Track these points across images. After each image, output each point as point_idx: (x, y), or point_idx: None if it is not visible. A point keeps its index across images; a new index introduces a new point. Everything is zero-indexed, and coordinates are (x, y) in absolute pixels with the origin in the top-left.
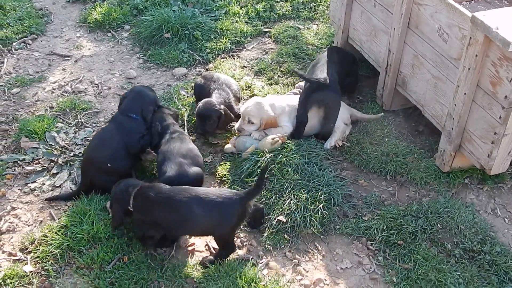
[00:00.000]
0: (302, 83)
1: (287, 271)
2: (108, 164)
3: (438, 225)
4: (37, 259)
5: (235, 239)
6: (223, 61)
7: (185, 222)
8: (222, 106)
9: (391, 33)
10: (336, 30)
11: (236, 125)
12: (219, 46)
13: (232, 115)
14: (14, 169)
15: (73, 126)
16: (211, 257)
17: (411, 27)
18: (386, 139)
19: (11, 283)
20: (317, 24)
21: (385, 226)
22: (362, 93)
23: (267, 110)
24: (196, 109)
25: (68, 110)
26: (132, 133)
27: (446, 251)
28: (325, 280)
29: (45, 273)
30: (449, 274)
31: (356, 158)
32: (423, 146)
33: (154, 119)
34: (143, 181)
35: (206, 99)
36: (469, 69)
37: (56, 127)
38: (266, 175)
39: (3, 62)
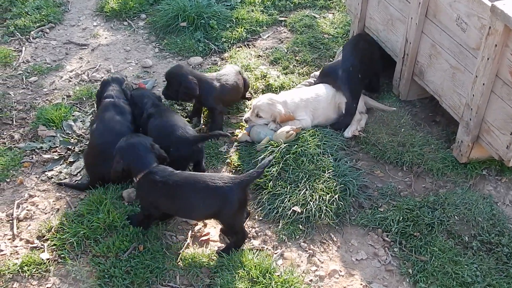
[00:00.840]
0: (317, 73)
1: (302, 261)
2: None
3: (455, 217)
4: (54, 247)
5: (249, 229)
6: (239, 50)
7: (186, 208)
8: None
9: (408, 22)
10: (352, 19)
11: (245, 115)
12: (235, 35)
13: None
14: (32, 157)
15: (90, 115)
16: (226, 247)
17: (429, 17)
18: (403, 130)
19: (28, 270)
20: (333, 13)
21: (401, 218)
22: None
23: (279, 108)
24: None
25: (84, 99)
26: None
27: (463, 243)
28: (340, 271)
29: (62, 260)
30: (466, 266)
31: (372, 148)
32: (440, 137)
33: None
34: None
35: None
36: (488, 59)
37: (73, 115)
38: (280, 165)
39: (21, 51)
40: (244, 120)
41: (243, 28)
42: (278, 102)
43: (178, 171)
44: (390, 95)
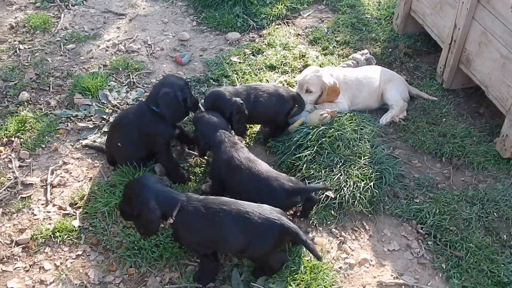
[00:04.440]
0: (357, 55)
1: (332, 248)
2: None
3: (494, 213)
4: (85, 215)
5: None
6: (277, 28)
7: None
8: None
9: (458, 7)
10: (398, 1)
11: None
12: (274, 12)
13: None
14: (67, 125)
15: (125, 85)
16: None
17: (482, 2)
18: (444, 119)
19: (60, 236)
20: None
21: (437, 210)
22: (421, 69)
23: (328, 79)
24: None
25: (120, 69)
26: None
27: (501, 241)
28: (371, 260)
29: (93, 229)
30: (503, 265)
31: (410, 137)
32: (483, 129)
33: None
34: None
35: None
36: None
37: (109, 85)
38: (314, 148)
39: (60, 18)
40: None
41: (283, 5)
42: (325, 72)
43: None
44: (432, 82)
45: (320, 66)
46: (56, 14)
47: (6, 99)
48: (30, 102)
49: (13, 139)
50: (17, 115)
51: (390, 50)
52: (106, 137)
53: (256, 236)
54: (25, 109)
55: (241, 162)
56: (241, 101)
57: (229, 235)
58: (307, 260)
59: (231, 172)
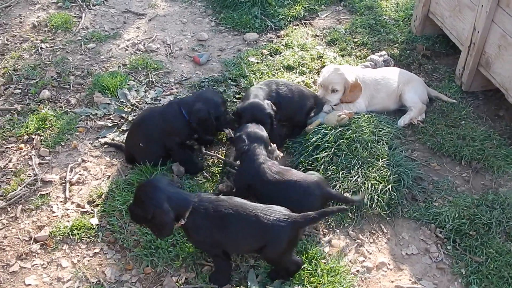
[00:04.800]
0: (375, 56)
1: (349, 251)
2: None
3: None
4: (103, 213)
5: None
6: (295, 28)
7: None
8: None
9: (478, 10)
10: (416, 3)
11: (319, 96)
12: (292, 13)
13: None
14: (86, 123)
15: (144, 84)
16: (275, 272)
17: (501, 5)
18: (463, 122)
19: (78, 234)
20: None
21: (456, 214)
22: (439, 71)
23: (349, 76)
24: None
25: (140, 69)
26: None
27: None
28: (389, 264)
29: (110, 227)
30: None
31: (429, 139)
32: (503, 132)
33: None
34: None
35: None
36: None
37: (128, 84)
38: (332, 150)
39: (81, 17)
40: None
41: (301, 6)
42: (346, 69)
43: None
44: (451, 84)
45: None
46: (78, 14)
47: (27, 97)
48: (50, 100)
49: (33, 136)
50: (38, 113)
51: (408, 51)
52: (125, 135)
53: (269, 237)
54: (46, 107)
55: (270, 176)
56: (274, 111)
57: (239, 236)
58: (324, 263)
59: (259, 184)
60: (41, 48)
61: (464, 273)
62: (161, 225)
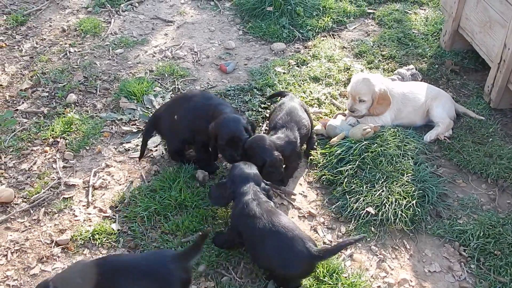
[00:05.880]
0: (402, 70)
1: (371, 265)
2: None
3: None
4: (125, 219)
5: (320, 225)
6: (323, 40)
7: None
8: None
9: (509, 27)
10: (446, 18)
11: (348, 105)
12: (320, 24)
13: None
14: (112, 128)
15: (170, 91)
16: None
17: None
18: (491, 139)
19: (99, 238)
20: (425, 9)
21: (481, 233)
22: (468, 87)
23: (377, 85)
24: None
25: (166, 75)
26: None
27: None
28: (411, 281)
29: (131, 233)
30: None
31: (455, 155)
32: None
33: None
34: None
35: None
36: None
37: (154, 90)
38: (356, 163)
39: (110, 22)
40: (349, 110)
41: (329, 17)
42: (374, 79)
43: None
44: (479, 101)
45: None
46: (107, 19)
47: (54, 100)
48: (77, 104)
49: (58, 140)
50: (64, 117)
51: (437, 66)
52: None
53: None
54: (72, 111)
55: (260, 218)
56: (280, 157)
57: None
58: (345, 277)
59: (247, 227)
60: (69, 52)
61: None
62: None
